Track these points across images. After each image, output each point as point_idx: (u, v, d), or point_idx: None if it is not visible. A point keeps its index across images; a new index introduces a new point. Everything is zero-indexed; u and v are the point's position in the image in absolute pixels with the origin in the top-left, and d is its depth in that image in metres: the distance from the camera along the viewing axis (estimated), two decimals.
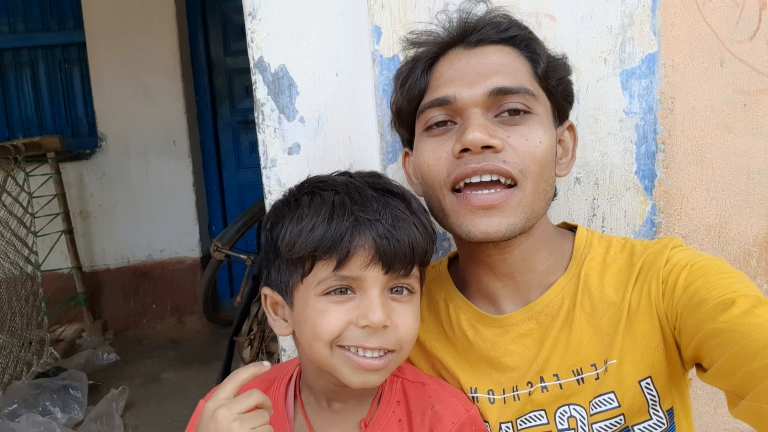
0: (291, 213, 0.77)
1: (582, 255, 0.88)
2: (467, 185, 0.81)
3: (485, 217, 0.79)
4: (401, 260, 0.74)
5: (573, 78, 0.91)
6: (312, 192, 0.79)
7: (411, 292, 0.79)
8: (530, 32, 0.87)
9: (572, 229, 0.94)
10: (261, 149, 1.10)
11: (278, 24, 1.07)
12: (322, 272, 0.74)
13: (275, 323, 0.84)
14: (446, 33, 0.87)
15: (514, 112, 0.81)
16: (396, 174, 1.11)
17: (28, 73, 4.04)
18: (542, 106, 0.83)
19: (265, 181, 1.10)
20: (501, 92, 0.80)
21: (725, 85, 1.10)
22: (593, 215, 1.12)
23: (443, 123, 0.84)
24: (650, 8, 1.06)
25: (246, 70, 1.10)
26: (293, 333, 0.82)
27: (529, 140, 0.79)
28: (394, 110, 0.93)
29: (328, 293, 0.75)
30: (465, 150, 0.78)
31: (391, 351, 0.76)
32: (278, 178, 1.10)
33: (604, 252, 0.88)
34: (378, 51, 1.07)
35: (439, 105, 0.83)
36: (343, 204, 0.75)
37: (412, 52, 0.91)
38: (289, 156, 1.10)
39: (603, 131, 1.09)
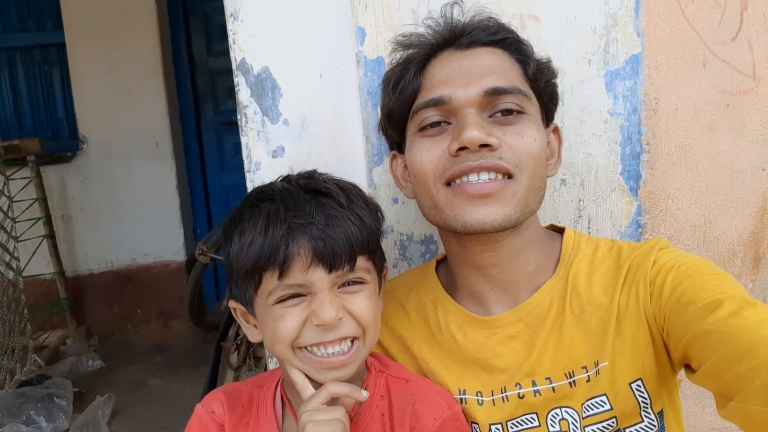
0: (236, 228, 0.80)
1: (570, 257, 0.88)
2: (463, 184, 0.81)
3: (481, 206, 0.79)
4: (341, 258, 0.77)
5: (558, 80, 0.92)
6: (252, 205, 0.81)
7: (362, 283, 0.81)
8: (518, 35, 0.88)
9: (560, 231, 0.95)
10: (244, 152, 1.08)
11: (261, 25, 1.05)
12: (270, 283, 0.77)
13: (248, 331, 0.87)
14: (437, 35, 0.88)
15: (508, 112, 0.82)
16: (382, 176, 1.10)
17: (6, 74, 3.96)
18: (534, 107, 0.85)
19: (249, 185, 1.09)
20: (495, 92, 0.81)
21: (708, 86, 1.10)
22: (579, 216, 1.12)
23: (437, 123, 0.84)
24: (633, 9, 1.07)
25: (229, 71, 1.08)
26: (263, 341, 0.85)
27: (524, 138, 0.81)
28: (385, 113, 0.93)
29: (282, 300, 0.78)
30: (462, 148, 0.79)
31: (356, 338, 0.79)
32: (262, 181, 1.08)
33: (591, 254, 0.88)
34: (362, 52, 1.06)
35: (434, 105, 0.83)
36: (276, 213, 0.77)
37: (398, 55, 0.91)
38: (273, 159, 1.08)
39: (588, 132, 1.09)
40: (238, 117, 1.08)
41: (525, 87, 0.84)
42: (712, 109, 1.11)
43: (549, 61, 0.90)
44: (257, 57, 1.06)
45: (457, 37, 0.86)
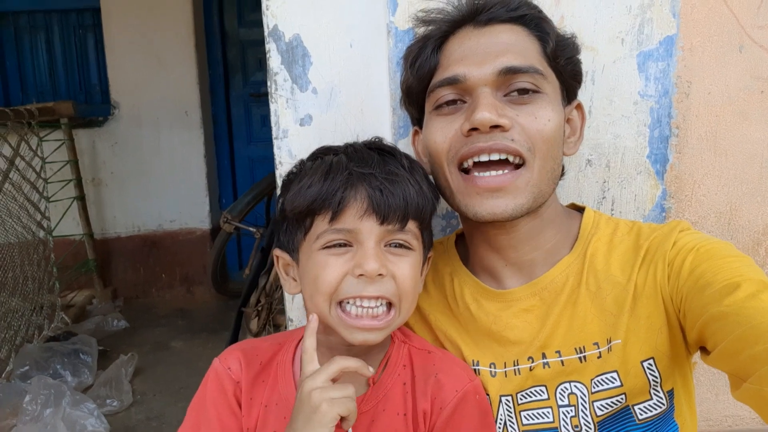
0: (297, 178, 0.83)
1: (589, 235, 0.89)
2: (475, 164, 0.81)
3: (492, 199, 0.80)
4: (395, 212, 0.77)
5: (589, 58, 0.91)
6: (315, 157, 0.85)
7: (408, 248, 0.81)
8: (540, 11, 0.87)
9: (580, 210, 0.95)
10: (273, 119, 1.10)
11: None
12: (321, 226, 0.78)
13: (286, 283, 0.88)
14: (456, 11, 0.87)
15: (523, 91, 0.81)
16: (406, 150, 1.10)
17: (42, 36, 4.03)
18: (551, 86, 0.84)
19: (276, 151, 1.11)
20: (510, 71, 0.80)
21: (743, 71, 1.08)
22: (603, 198, 1.11)
23: (453, 102, 0.84)
24: None
25: (260, 42, 1.09)
26: (301, 291, 0.86)
27: (537, 119, 0.80)
28: (404, 89, 0.94)
29: (328, 247, 0.78)
30: (474, 129, 0.79)
31: (392, 305, 0.79)
32: (289, 149, 1.10)
33: (611, 233, 0.88)
34: (393, 23, 1.06)
35: (449, 84, 0.83)
36: (339, 162, 0.80)
37: (421, 31, 0.91)
38: (300, 127, 1.10)
39: (617, 113, 1.08)
40: (268, 84, 1.10)
41: (543, 65, 0.83)
42: (745, 96, 1.09)
43: (573, 37, 0.88)
44: (289, 24, 1.07)
45: (476, 13, 0.85)
